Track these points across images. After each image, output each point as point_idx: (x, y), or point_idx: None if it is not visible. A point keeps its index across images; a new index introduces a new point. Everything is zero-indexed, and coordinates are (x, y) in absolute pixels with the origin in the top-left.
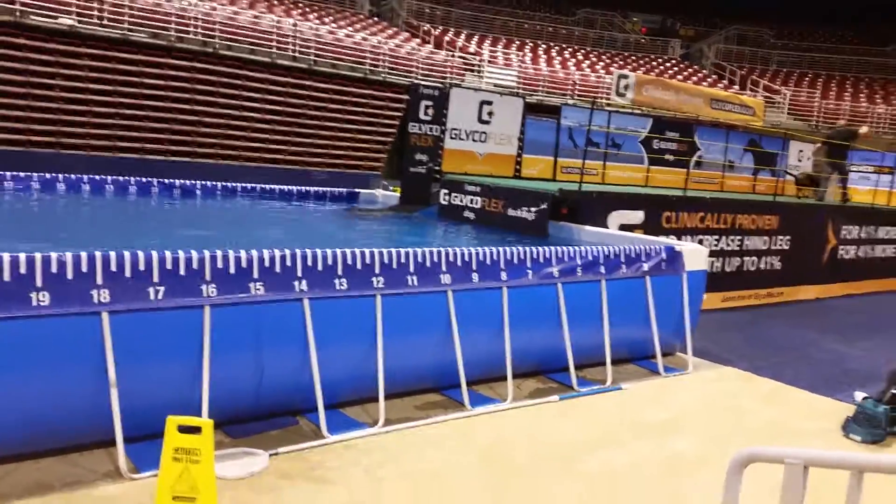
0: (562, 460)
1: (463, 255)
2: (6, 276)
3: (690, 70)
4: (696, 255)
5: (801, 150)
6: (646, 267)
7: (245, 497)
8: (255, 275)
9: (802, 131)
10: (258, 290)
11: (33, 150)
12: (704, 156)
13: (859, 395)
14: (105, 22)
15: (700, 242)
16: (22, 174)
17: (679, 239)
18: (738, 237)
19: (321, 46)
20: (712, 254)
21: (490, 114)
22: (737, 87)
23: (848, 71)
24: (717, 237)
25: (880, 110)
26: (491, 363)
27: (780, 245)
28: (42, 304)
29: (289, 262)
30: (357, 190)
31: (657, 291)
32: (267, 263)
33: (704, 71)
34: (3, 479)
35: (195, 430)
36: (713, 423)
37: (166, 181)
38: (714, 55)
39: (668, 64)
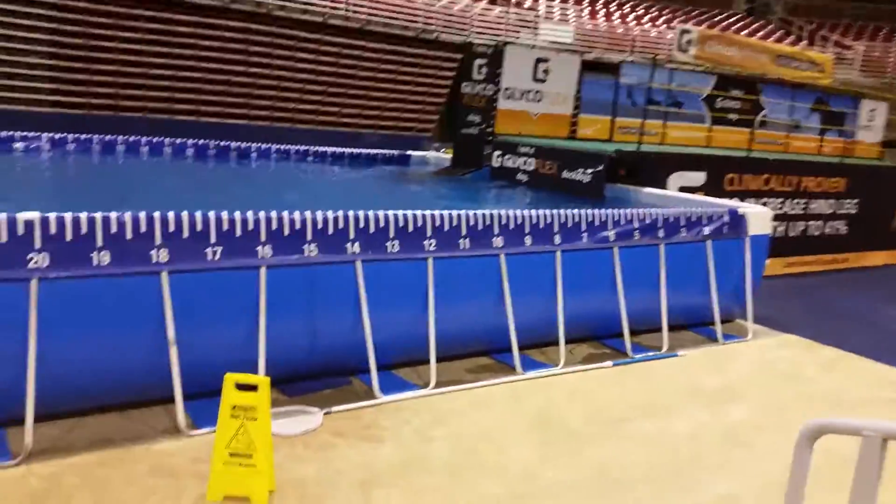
0: (615, 425)
1: (515, 218)
2: (68, 237)
3: (756, 25)
4: (759, 219)
5: (872, 110)
6: (706, 231)
7: (300, 453)
8: (309, 236)
9: (875, 89)
10: (312, 251)
11: (93, 114)
12: (769, 115)
13: None
14: None
15: (764, 205)
16: (83, 136)
17: (742, 202)
18: (804, 200)
19: (374, 5)
20: (776, 217)
21: (545, 72)
22: (805, 42)
23: None
24: (781, 200)
25: None
26: (543, 328)
27: (847, 209)
28: (102, 263)
29: (341, 225)
30: (409, 152)
31: (718, 256)
32: (320, 225)
33: (771, 26)
34: (68, 433)
35: (252, 387)
36: (773, 391)
37: (221, 143)
38: (781, 9)
39: (732, 18)
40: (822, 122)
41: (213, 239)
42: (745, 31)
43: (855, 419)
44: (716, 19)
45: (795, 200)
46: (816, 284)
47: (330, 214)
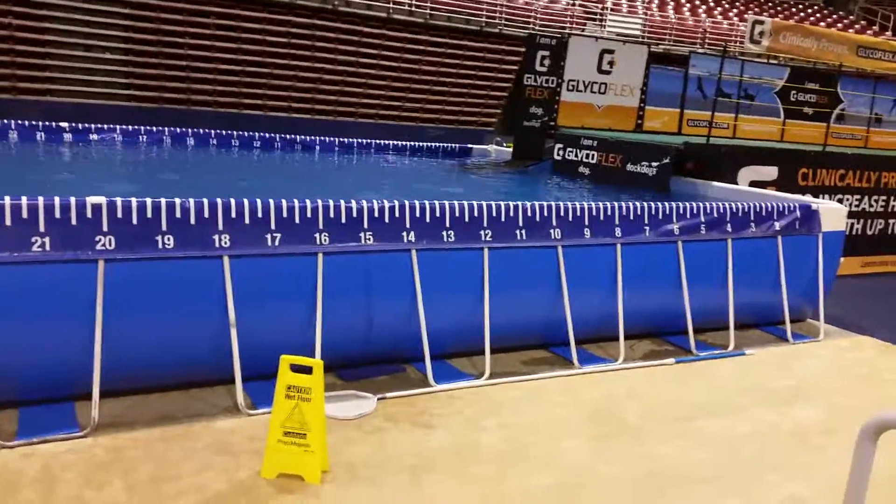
0: (675, 423)
1: (574, 209)
2: (134, 220)
3: (835, 17)
4: (833, 215)
5: None
6: (777, 226)
7: (353, 435)
8: (366, 225)
9: None
10: (368, 239)
11: (165, 107)
12: (848, 109)
13: None
14: None
15: (839, 202)
16: (155, 129)
17: (816, 198)
18: (884, 197)
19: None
20: (853, 215)
21: (611, 63)
22: (889, 32)
23: None
24: (858, 197)
25: None
26: (602, 322)
27: None
28: (167, 246)
29: (398, 214)
30: (470, 145)
31: (789, 252)
32: (377, 214)
33: (851, 17)
34: (131, 409)
35: (307, 369)
36: (844, 393)
37: (288, 136)
38: None
39: (809, 10)
40: None
41: (272, 225)
42: (823, 25)
43: None
44: (791, 10)
45: (875, 197)
46: (895, 285)
47: (386, 203)
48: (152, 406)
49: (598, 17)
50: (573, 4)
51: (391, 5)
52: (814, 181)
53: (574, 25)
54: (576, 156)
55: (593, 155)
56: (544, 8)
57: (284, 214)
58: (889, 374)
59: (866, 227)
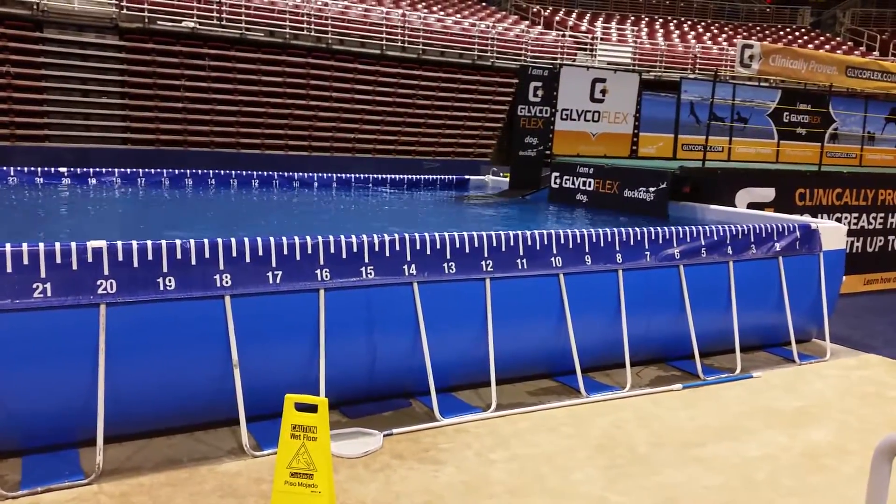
0: (686, 449)
1: (575, 237)
2: (135, 263)
3: (822, 38)
4: (833, 234)
5: None
6: (778, 247)
7: (360, 474)
8: (366, 259)
9: None
10: (369, 274)
11: (163, 149)
12: (841, 128)
13: None
14: (224, 23)
15: (838, 221)
16: (153, 171)
17: (815, 217)
18: (882, 214)
19: (429, 35)
20: (853, 233)
21: (603, 92)
22: (876, 53)
23: None
24: (857, 215)
25: None
26: (607, 350)
27: None
28: (169, 288)
29: (398, 247)
30: (467, 177)
31: (791, 273)
32: (377, 248)
33: (838, 38)
34: (137, 453)
35: (312, 408)
36: (854, 413)
37: (285, 174)
38: (850, 20)
39: (797, 33)
40: None
41: (273, 263)
42: (811, 46)
43: None
44: (779, 34)
45: (873, 215)
46: None
47: (387, 237)
48: (157, 450)
49: (588, 47)
50: (563, 36)
51: (384, 42)
52: (811, 201)
53: (565, 56)
54: (573, 183)
55: (590, 182)
56: (535, 40)
57: (285, 252)
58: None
59: (866, 245)
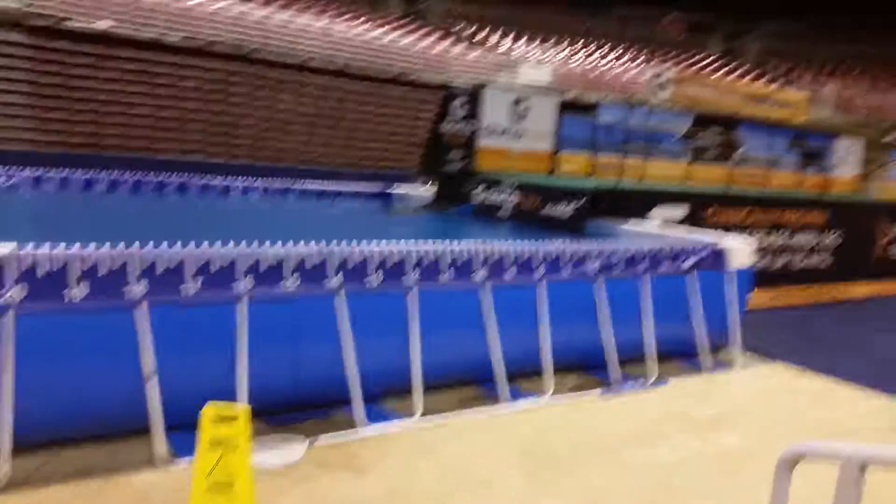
0: (604, 454)
1: (497, 251)
2: (44, 270)
3: (730, 67)
4: (740, 251)
5: (848, 146)
6: (689, 263)
7: (282, 485)
8: (290, 270)
9: (850, 126)
10: (293, 284)
11: (74, 152)
12: (747, 153)
13: None
14: (141, 25)
15: (745, 239)
16: (63, 173)
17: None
18: (786, 233)
19: (354, 48)
20: (758, 250)
21: (525, 111)
22: (780, 82)
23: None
24: (763, 233)
25: None
26: (530, 359)
27: (829, 242)
28: (79, 296)
29: (322, 258)
30: (392, 189)
31: (702, 288)
32: (300, 259)
33: (744, 67)
34: (45, 464)
35: (232, 417)
36: (761, 419)
37: (205, 180)
38: (756, 51)
39: (707, 61)
40: (800, 158)
41: (193, 272)
42: (720, 73)
43: (833, 443)
44: (691, 62)
45: (777, 234)
46: (802, 315)
47: (310, 249)
48: (68, 460)
49: (510, 66)
50: (486, 55)
51: (307, 52)
52: (720, 220)
53: (488, 74)
54: (496, 199)
55: (513, 198)
56: (459, 57)
57: (205, 261)
58: (800, 399)
59: (772, 262)
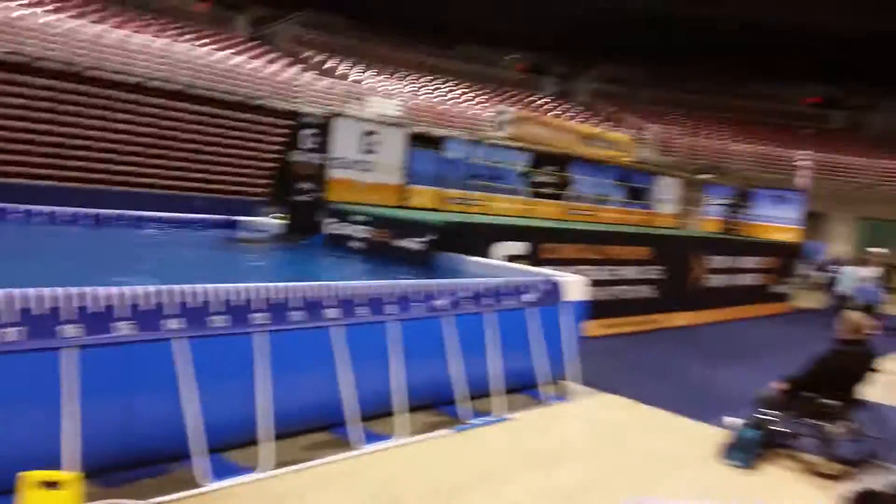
0: (453, 495)
1: (348, 288)
2: None
3: (564, 107)
4: (575, 286)
5: (667, 184)
6: (528, 298)
7: None
8: (122, 313)
9: (669, 166)
10: (125, 329)
11: None
12: (580, 189)
13: (730, 420)
14: None
15: (579, 273)
16: None
17: (559, 269)
18: (614, 267)
19: (196, 69)
20: (591, 283)
21: (374, 143)
22: (607, 123)
23: (708, 111)
24: (594, 267)
25: (736, 148)
26: (381, 399)
27: (653, 274)
28: None
29: (159, 299)
30: (240, 217)
31: (540, 321)
32: (135, 301)
33: (577, 108)
34: None
35: (59, 484)
36: (598, 451)
37: (24, 207)
38: (586, 93)
39: (543, 100)
40: (625, 195)
41: (11, 317)
42: (555, 113)
43: (663, 500)
44: (529, 100)
45: (607, 267)
46: (630, 344)
47: (145, 289)
48: None
49: (359, 97)
50: (336, 84)
51: (145, 71)
52: (556, 254)
53: (337, 103)
54: (348, 231)
55: (364, 230)
56: (308, 85)
57: (25, 304)
58: (631, 430)
59: (602, 294)
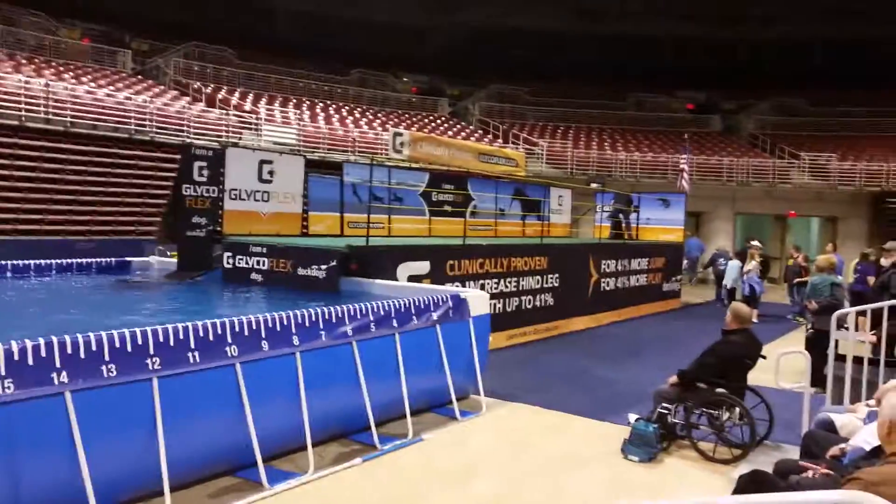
0: None
1: (250, 323)
2: None
3: (459, 126)
4: (479, 300)
5: (560, 196)
6: (435, 316)
7: None
8: (1, 371)
9: (560, 178)
10: (7, 388)
11: None
12: (478, 205)
13: (632, 417)
14: None
15: (482, 287)
16: None
17: (463, 285)
18: (515, 279)
19: (78, 107)
20: (493, 296)
21: (271, 173)
22: (500, 140)
23: (594, 123)
24: (496, 280)
25: (621, 157)
26: (290, 434)
27: (551, 283)
28: None
29: (44, 353)
30: (129, 258)
31: (447, 339)
32: (16, 356)
33: (471, 127)
34: None
35: None
36: (509, 461)
37: None
38: (478, 112)
39: (438, 121)
40: (522, 208)
41: None
42: (450, 133)
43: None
44: (424, 121)
45: (508, 279)
46: (534, 352)
47: (29, 343)
48: None
49: (253, 127)
50: (227, 114)
51: (24, 113)
52: (459, 271)
53: (230, 135)
54: (247, 263)
55: (264, 261)
56: (197, 117)
57: None
58: (539, 436)
59: (506, 306)
